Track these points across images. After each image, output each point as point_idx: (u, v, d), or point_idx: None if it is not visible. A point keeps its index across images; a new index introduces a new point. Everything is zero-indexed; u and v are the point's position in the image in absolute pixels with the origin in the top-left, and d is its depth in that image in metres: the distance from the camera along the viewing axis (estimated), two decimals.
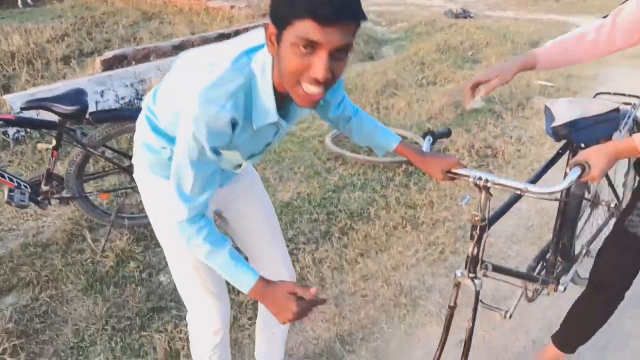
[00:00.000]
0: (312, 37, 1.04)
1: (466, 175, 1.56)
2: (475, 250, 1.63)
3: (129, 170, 2.92)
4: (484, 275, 1.70)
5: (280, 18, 1.08)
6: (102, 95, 4.75)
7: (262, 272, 1.63)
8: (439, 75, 6.04)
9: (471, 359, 1.72)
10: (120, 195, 2.93)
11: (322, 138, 4.25)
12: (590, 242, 2.39)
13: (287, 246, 2.89)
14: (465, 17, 9.56)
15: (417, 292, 2.61)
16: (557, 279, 2.18)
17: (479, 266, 1.67)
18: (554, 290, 2.16)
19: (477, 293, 1.68)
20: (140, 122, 1.52)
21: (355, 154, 3.90)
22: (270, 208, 1.87)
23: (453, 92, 5.29)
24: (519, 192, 1.48)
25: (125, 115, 2.82)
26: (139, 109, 1.56)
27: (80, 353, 2.23)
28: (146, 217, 3.07)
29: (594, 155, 1.44)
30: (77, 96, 2.65)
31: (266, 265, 1.81)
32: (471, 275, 1.67)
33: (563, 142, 2.03)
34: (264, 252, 1.83)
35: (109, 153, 2.97)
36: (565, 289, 2.14)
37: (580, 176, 1.45)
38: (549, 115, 1.98)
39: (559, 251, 2.19)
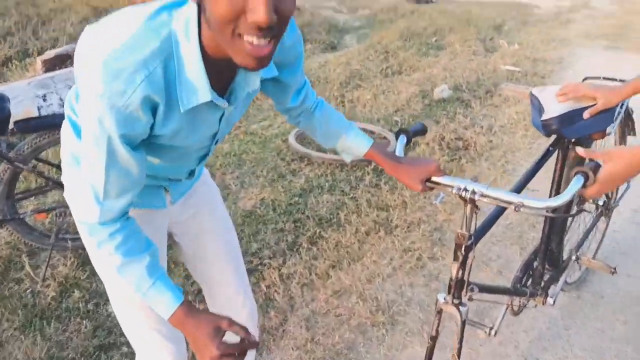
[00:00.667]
0: None
1: (449, 185, 1.33)
2: (460, 273, 1.41)
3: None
4: (470, 299, 1.49)
5: None
6: (44, 100, 4.31)
7: (220, 305, 1.39)
8: (404, 64, 5.84)
9: None
10: (59, 214, 2.61)
11: (286, 137, 3.98)
12: (578, 246, 2.22)
13: (251, 262, 2.67)
14: (427, 2, 9.39)
15: (395, 308, 2.40)
16: (545, 290, 2.00)
17: (464, 290, 1.45)
18: (542, 303, 1.98)
19: (464, 323, 1.47)
20: (65, 129, 1.21)
21: (322, 153, 3.66)
22: (231, 228, 1.61)
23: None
24: (511, 206, 1.24)
25: (56, 123, 2.47)
26: None
27: None
28: None
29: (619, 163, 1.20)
30: None
31: (225, 297, 1.57)
32: (456, 301, 1.46)
33: (553, 137, 1.82)
34: (223, 283, 1.58)
35: (41, 167, 2.63)
36: (554, 301, 1.97)
37: (584, 186, 1.24)
38: (536, 104, 1.77)
39: (547, 259, 2.01)
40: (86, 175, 1.02)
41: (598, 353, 2.17)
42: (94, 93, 0.87)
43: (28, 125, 2.42)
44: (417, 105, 4.66)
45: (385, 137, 4.00)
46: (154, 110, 0.95)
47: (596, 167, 1.23)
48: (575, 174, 1.25)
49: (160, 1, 0.93)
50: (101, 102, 0.88)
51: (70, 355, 2.14)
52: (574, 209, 1.93)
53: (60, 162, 1.30)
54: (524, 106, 4.56)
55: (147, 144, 1.04)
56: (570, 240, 2.22)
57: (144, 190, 1.13)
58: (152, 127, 0.99)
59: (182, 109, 0.96)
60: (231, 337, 1.11)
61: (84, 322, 2.29)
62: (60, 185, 2.65)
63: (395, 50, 6.28)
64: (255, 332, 1.57)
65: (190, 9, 0.90)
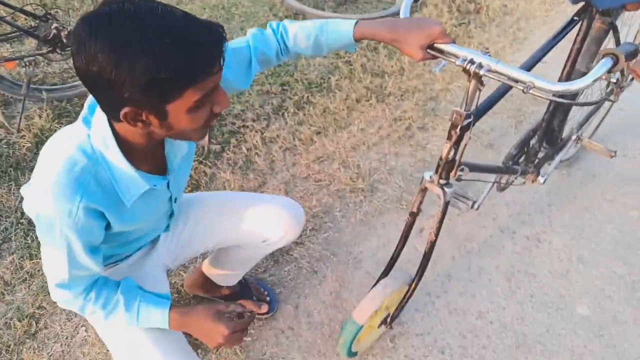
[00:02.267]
0: (211, 86, 0.92)
1: (453, 55, 1.13)
2: (452, 153, 1.29)
3: (33, 33, 2.40)
4: (458, 179, 1.39)
5: (162, 95, 0.88)
6: None
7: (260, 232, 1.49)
8: None
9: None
10: (29, 63, 2.46)
11: None
12: (580, 126, 2.07)
13: (234, 124, 2.56)
14: None
15: (376, 176, 2.34)
16: (538, 168, 1.90)
17: (453, 171, 1.34)
18: (532, 181, 1.89)
19: (447, 204, 1.38)
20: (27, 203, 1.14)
21: (319, 10, 3.36)
22: (224, 196, 1.62)
23: None
24: (521, 87, 1.05)
25: None
26: None
27: None
28: (68, 89, 2.68)
29: None
30: None
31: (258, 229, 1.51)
32: (442, 182, 1.36)
33: (580, 4, 1.57)
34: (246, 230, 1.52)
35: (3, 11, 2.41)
36: (545, 180, 1.88)
37: (610, 70, 1.06)
38: None
39: (546, 137, 1.88)
40: (50, 269, 1.10)
41: (577, 230, 2.15)
42: (48, 218, 0.98)
43: None
44: None
45: None
46: (102, 214, 1.05)
47: (634, 52, 1.05)
48: (604, 56, 1.06)
49: (81, 114, 1.03)
50: (58, 223, 0.98)
51: None
52: (598, 95, 1.73)
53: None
54: None
55: (112, 235, 1.15)
56: (572, 118, 2.07)
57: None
58: (108, 227, 1.10)
59: (127, 204, 1.07)
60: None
61: None
62: (27, 33, 2.46)
63: None
64: (293, 231, 1.51)
65: (101, 125, 0.98)
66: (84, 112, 1.03)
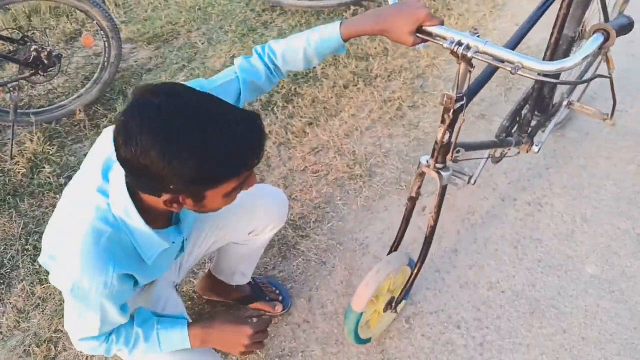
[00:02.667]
0: (248, 175, 0.98)
1: (442, 37, 1.10)
2: (447, 136, 1.28)
3: (13, 58, 2.38)
4: (455, 160, 1.39)
5: (206, 186, 0.93)
6: None
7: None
8: None
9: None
10: (13, 89, 2.44)
11: None
12: (570, 91, 2.07)
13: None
14: None
15: (373, 160, 2.34)
16: (532, 137, 1.90)
17: (450, 154, 1.34)
18: (527, 151, 1.89)
19: (445, 187, 1.38)
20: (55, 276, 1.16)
21: (295, 0, 3.33)
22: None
23: None
24: (509, 68, 1.02)
25: None
26: None
27: (2, 282, 1.97)
28: (56, 109, 2.67)
29: None
30: None
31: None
32: (439, 166, 1.35)
33: None
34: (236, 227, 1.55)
35: None
36: (539, 149, 1.88)
37: (601, 46, 1.05)
38: None
39: (537, 105, 1.88)
40: (76, 327, 1.15)
41: (578, 190, 2.16)
42: (83, 291, 1.00)
43: None
44: None
45: None
46: (132, 276, 1.09)
47: (626, 26, 1.04)
48: (595, 32, 1.06)
49: (93, 182, 1.05)
50: (94, 294, 1.01)
51: None
52: (590, 74, 1.71)
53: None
54: None
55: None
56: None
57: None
58: (135, 284, 1.14)
59: (149, 262, 1.10)
60: None
61: (58, 196, 2.25)
62: (8, 59, 2.44)
63: None
64: (278, 218, 1.56)
65: (122, 194, 1.00)
66: (97, 180, 1.05)
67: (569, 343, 1.70)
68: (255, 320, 1.23)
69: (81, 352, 1.75)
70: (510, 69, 1.01)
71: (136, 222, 1.03)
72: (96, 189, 1.04)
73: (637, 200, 2.10)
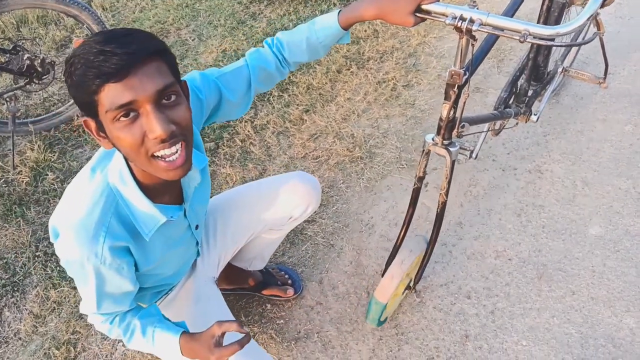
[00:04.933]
0: (121, 100, 0.88)
1: (442, 14, 1.09)
2: (452, 112, 1.28)
3: (7, 68, 2.39)
4: (460, 135, 1.40)
5: (86, 104, 0.91)
6: None
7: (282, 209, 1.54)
8: None
9: (436, 199, 1.53)
10: (9, 99, 2.45)
11: None
12: (563, 57, 2.08)
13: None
14: None
15: (372, 141, 2.36)
16: (529, 107, 1.92)
17: (455, 130, 1.34)
18: (526, 121, 1.91)
19: (453, 162, 1.39)
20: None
21: None
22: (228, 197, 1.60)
23: None
24: (517, 37, 1.01)
25: None
26: None
27: (16, 289, 2.00)
28: (54, 116, 2.68)
29: None
30: None
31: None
32: (446, 142, 1.35)
33: None
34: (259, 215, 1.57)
35: None
36: (538, 118, 1.90)
37: (602, 5, 1.05)
38: None
39: (533, 74, 1.89)
40: (85, 302, 1.17)
41: (576, 154, 2.18)
42: (77, 262, 1.03)
43: None
44: None
45: None
46: (129, 251, 1.09)
47: None
48: None
49: (90, 163, 1.09)
50: (88, 265, 1.03)
51: None
52: (589, 35, 1.72)
53: None
54: None
55: (147, 275, 1.22)
56: (555, 51, 2.08)
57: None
58: (137, 268, 1.15)
59: (147, 237, 1.10)
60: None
61: None
62: (2, 69, 2.45)
63: None
64: (315, 200, 1.56)
65: (119, 160, 1.04)
66: (93, 161, 1.10)
67: (578, 304, 1.73)
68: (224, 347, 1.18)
69: (100, 351, 1.78)
70: (518, 38, 1.00)
71: (130, 189, 1.04)
72: (91, 166, 1.08)
73: (635, 160, 2.12)
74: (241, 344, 1.12)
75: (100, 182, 1.04)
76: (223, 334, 1.14)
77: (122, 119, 0.90)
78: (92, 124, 0.95)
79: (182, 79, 1.20)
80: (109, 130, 0.93)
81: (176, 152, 0.95)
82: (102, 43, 0.86)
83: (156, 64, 0.91)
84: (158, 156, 0.95)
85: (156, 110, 0.90)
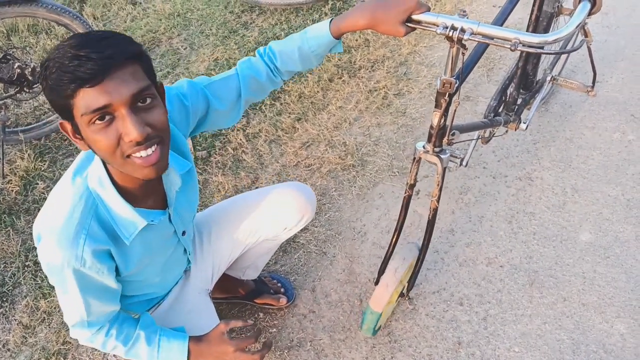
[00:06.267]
0: (96, 104, 0.88)
1: (433, 24, 1.10)
2: (443, 120, 1.29)
3: None
4: (450, 143, 1.41)
5: (62, 107, 0.91)
6: None
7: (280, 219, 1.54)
8: None
9: (427, 206, 1.54)
10: None
11: None
12: (552, 65, 2.11)
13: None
14: None
15: (364, 149, 2.37)
16: (518, 115, 1.94)
17: (445, 137, 1.35)
18: (515, 129, 1.93)
19: (444, 170, 1.40)
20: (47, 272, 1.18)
21: None
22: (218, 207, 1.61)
23: None
24: (508, 46, 1.02)
25: None
26: None
27: (5, 299, 1.98)
28: (44, 125, 2.67)
29: None
30: None
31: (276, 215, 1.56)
32: (437, 150, 1.37)
33: None
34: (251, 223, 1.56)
35: None
36: (527, 126, 1.92)
37: (590, 13, 1.08)
38: None
39: (522, 83, 1.91)
40: (68, 313, 1.15)
41: (566, 162, 2.20)
42: (57, 266, 1.02)
43: None
44: None
45: None
46: (110, 255, 1.09)
47: None
48: (580, 0, 1.08)
49: (72, 168, 1.09)
50: (67, 270, 1.02)
51: None
52: (576, 43, 1.74)
53: None
54: None
55: (131, 281, 1.21)
56: (544, 59, 2.11)
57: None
58: (118, 273, 1.14)
59: (127, 241, 1.09)
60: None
61: None
62: None
63: None
64: (310, 210, 1.55)
65: (98, 164, 1.04)
66: (74, 166, 1.09)
67: (569, 310, 1.74)
68: (238, 338, 1.25)
69: (89, 355, 1.76)
70: (509, 46, 1.02)
71: (109, 193, 1.04)
72: (73, 171, 1.08)
73: (623, 167, 2.15)
74: (255, 336, 1.18)
75: (80, 186, 1.05)
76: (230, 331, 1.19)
77: (98, 122, 0.90)
78: (69, 126, 0.96)
79: (170, 86, 1.20)
80: (84, 133, 0.93)
81: (151, 153, 0.96)
82: (76, 47, 0.86)
83: (131, 67, 0.91)
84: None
85: (131, 113, 0.91)
